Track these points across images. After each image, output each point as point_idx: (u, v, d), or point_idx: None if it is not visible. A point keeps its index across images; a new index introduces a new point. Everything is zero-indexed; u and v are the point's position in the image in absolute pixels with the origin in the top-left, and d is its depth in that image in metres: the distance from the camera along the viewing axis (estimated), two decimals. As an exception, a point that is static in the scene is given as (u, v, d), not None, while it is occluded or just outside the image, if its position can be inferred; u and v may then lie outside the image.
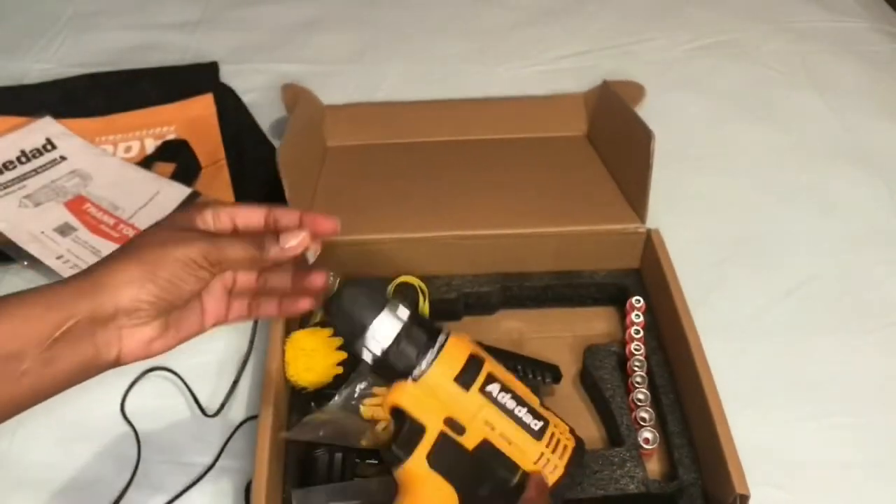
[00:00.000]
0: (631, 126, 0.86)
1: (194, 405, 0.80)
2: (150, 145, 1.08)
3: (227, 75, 1.20)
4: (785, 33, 1.28)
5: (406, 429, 0.55)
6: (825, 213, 0.99)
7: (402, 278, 0.85)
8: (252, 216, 0.56)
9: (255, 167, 1.04)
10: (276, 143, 1.07)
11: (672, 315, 0.77)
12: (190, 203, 0.97)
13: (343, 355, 0.75)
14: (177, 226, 0.53)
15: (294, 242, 0.55)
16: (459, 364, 0.56)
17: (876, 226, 0.98)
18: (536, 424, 0.56)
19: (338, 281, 0.57)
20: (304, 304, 0.60)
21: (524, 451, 0.56)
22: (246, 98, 1.16)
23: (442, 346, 0.56)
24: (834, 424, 0.79)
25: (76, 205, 0.98)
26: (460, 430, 0.55)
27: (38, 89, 1.18)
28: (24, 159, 1.04)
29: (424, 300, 0.84)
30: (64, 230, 0.94)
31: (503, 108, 1.08)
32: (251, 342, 0.83)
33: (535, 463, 0.56)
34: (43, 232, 0.94)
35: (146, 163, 1.05)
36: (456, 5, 1.36)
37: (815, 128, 1.11)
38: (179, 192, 0.99)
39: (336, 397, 0.72)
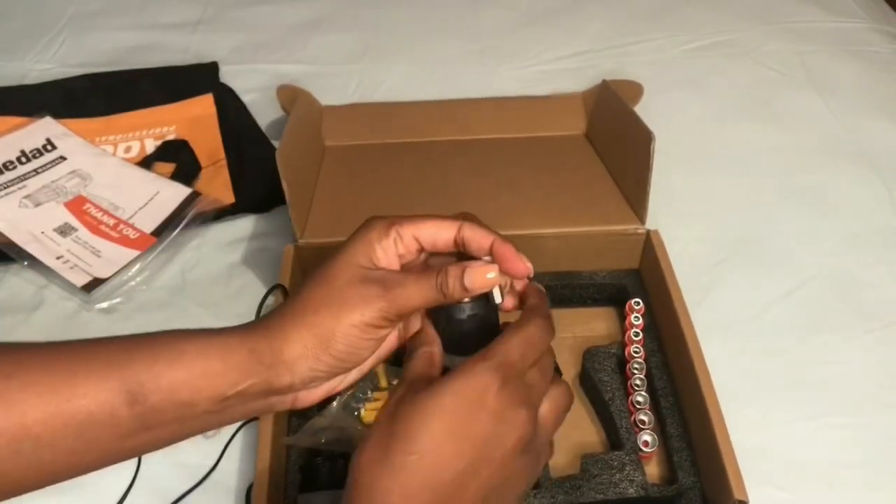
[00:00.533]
0: (631, 126, 0.86)
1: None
2: (150, 145, 1.08)
3: (227, 75, 1.20)
4: (785, 34, 1.28)
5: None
6: (825, 213, 0.99)
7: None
8: (440, 234, 0.51)
9: (254, 167, 1.04)
10: (275, 143, 1.07)
11: (671, 316, 0.78)
12: (190, 203, 0.97)
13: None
14: (354, 270, 0.49)
15: (480, 284, 0.49)
16: None
17: (876, 226, 0.98)
18: None
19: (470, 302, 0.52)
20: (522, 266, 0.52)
21: None
22: (246, 98, 1.16)
23: None
24: (834, 424, 0.79)
25: (76, 205, 0.98)
26: None
27: (39, 89, 1.18)
28: (24, 159, 1.04)
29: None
30: (64, 230, 0.94)
31: (502, 107, 1.08)
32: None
33: None
34: (43, 232, 0.94)
35: (146, 163, 1.05)
36: (456, 5, 1.36)
37: (814, 128, 1.11)
38: (179, 192, 0.99)
39: (336, 401, 0.72)
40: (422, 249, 0.52)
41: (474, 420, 0.44)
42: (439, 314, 0.52)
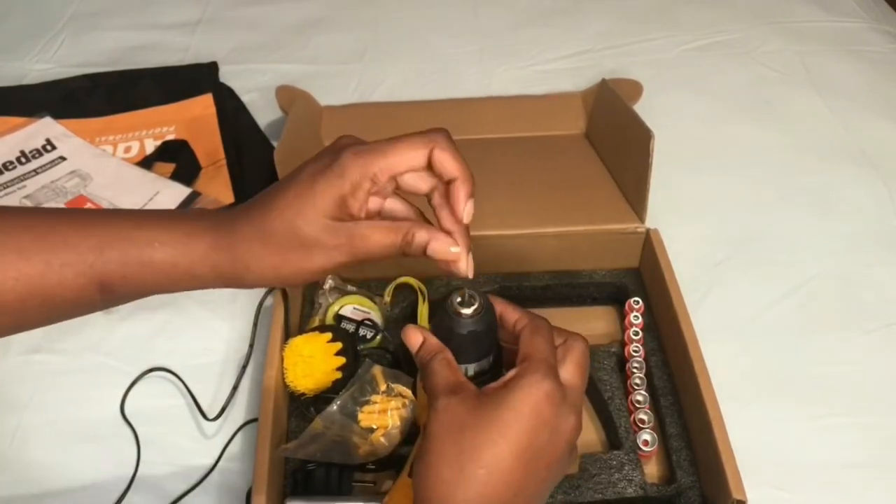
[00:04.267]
0: (630, 125, 0.86)
1: (194, 406, 0.80)
2: (150, 145, 1.08)
3: (227, 75, 1.20)
4: (785, 33, 1.28)
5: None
6: (825, 213, 0.99)
7: (402, 279, 0.85)
8: (413, 163, 0.53)
9: (254, 167, 1.04)
10: (275, 143, 1.07)
11: (671, 315, 0.78)
12: (190, 203, 0.97)
13: (341, 360, 0.75)
14: (320, 220, 0.51)
15: (442, 256, 0.53)
16: None
17: (876, 226, 0.98)
18: None
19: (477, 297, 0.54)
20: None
21: None
22: (246, 98, 1.16)
23: None
24: (834, 424, 0.79)
25: (77, 205, 0.98)
26: None
27: (38, 90, 1.18)
28: (23, 160, 1.04)
29: (424, 301, 0.84)
30: (64, 230, 0.94)
31: (501, 106, 1.08)
32: (251, 345, 0.82)
33: None
34: (43, 233, 0.94)
35: (146, 163, 1.05)
36: (455, 5, 1.35)
37: (814, 128, 1.11)
38: (179, 192, 0.99)
39: (335, 403, 0.72)
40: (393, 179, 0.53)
41: (534, 434, 0.48)
42: (440, 326, 0.55)
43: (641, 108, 1.02)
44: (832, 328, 0.87)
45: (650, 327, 0.82)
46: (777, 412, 0.80)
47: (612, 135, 0.95)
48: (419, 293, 0.84)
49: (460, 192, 0.53)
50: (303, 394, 0.74)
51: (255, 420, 0.77)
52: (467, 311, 0.54)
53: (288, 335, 0.77)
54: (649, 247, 0.85)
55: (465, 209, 0.53)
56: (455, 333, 0.54)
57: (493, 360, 0.57)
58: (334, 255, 0.51)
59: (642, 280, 0.87)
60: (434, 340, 0.54)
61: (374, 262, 0.52)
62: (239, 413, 0.80)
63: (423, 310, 0.83)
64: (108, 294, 0.51)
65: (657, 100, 1.09)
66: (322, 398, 0.74)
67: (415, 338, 0.54)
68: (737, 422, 0.68)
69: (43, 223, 0.50)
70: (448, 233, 0.53)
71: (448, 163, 0.52)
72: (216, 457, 0.76)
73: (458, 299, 0.54)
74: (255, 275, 0.52)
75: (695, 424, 0.73)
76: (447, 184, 0.53)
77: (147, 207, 0.97)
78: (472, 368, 0.56)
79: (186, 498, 0.73)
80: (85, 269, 0.50)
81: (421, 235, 0.52)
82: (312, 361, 0.74)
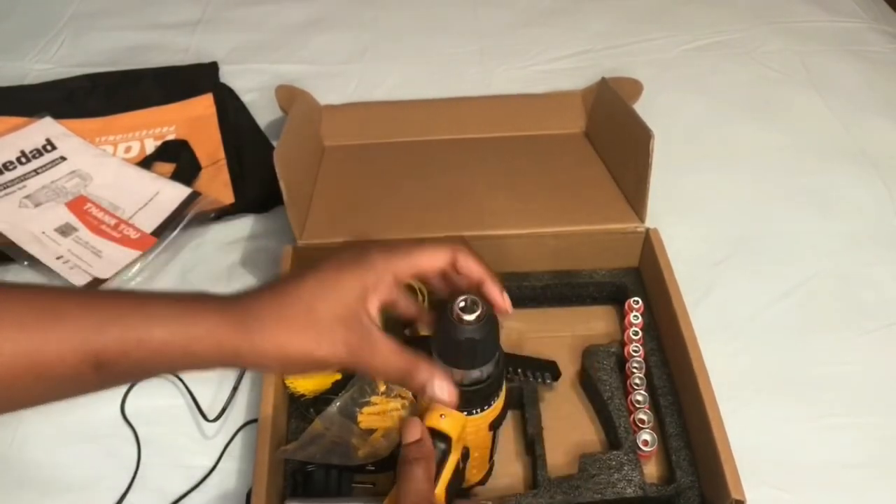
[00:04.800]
0: (630, 125, 0.86)
1: (194, 406, 0.80)
2: (150, 145, 1.08)
3: (227, 75, 1.20)
4: (785, 33, 1.28)
5: (439, 453, 0.57)
6: (825, 213, 0.99)
7: (402, 279, 0.85)
8: (435, 266, 0.56)
9: (254, 167, 1.04)
10: (275, 142, 1.07)
11: (670, 315, 0.77)
12: (190, 203, 0.97)
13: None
14: (339, 308, 0.53)
15: (440, 398, 0.55)
16: (492, 415, 0.62)
17: (876, 226, 0.98)
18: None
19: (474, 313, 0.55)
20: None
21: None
22: (246, 98, 1.16)
23: (484, 409, 0.60)
24: (833, 424, 0.79)
25: (77, 205, 0.98)
26: (467, 457, 0.61)
27: (38, 90, 1.18)
28: (24, 160, 1.04)
29: (423, 300, 0.84)
30: (65, 230, 0.94)
31: (501, 105, 1.08)
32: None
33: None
34: (44, 232, 0.94)
35: (146, 163, 1.05)
36: (455, 5, 1.36)
37: (814, 128, 1.11)
38: (179, 192, 0.99)
39: (334, 404, 0.72)
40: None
41: None
42: (441, 331, 0.55)
43: (641, 108, 1.02)
44: (832, 328, 0.87)
45: (650, 327, 0.82)
46: (776, 412, 0.80)
47: (612, 134, 0.95)
48: (419, 293, 0.84)
49: (494, 290, 0.57)
50: (302, 395, 0.74)
51: (254, 421, 0.77)
52: (470, 317, 0.54)
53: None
54: (649, 246, 0.85)
55: (506, 302, 0.57)
56: (456, 340, 0.54)
57: (495, 366, 0.58)
58: (339, 350, 0.52)
59: (642, 280, 0.87)
60: (429, 445, 0.55)
61: (368, 376, 0.55)
62: (239, 414, 0.80)
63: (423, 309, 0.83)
64: (104, 372, 0.49)
65: (657, 99, 1.09)
66: (321, 399, 0.74)
67: (413, 432, 0.55)
68: (736, 422, 0.68)
69: (45, 299, 0.49)
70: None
71: (474, 267, 0.56)
72: (216, 457, 0.76)
73: (461, 304, 0.54)
74: (257, 350, 0.51)
75: (694, 424, 0.73)
76: (476, 286, 0.57)
77: (147, 207, 0.98)
78: (472, 375, 0.56)
79: (186, 498, 0.73)
80: (81, 344, 0.48)
81: (422, 374, 0.54)
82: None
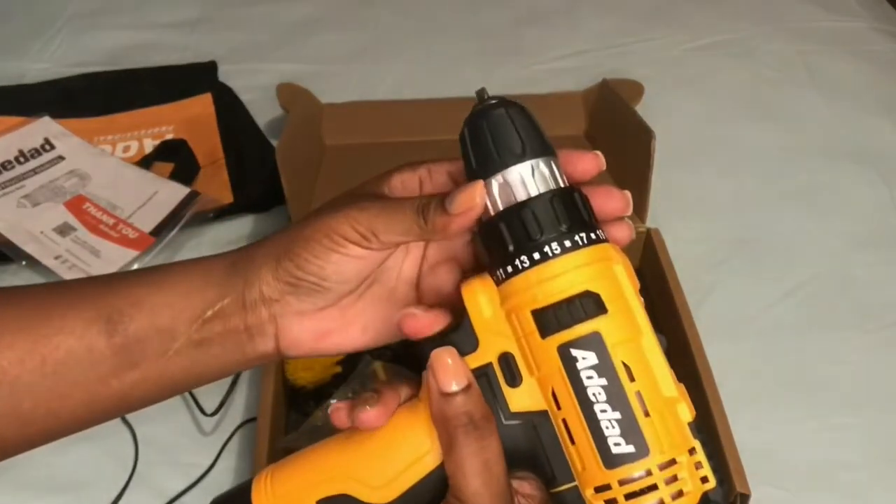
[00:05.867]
0: (631, 125, 0.86)
1: (192, 405, 0.79)
2: (149, 145, 1.08)
3: (226, 75, 1.20)
4: (785, 33, 1.28)
5: (454, 335, 0.39)
6: (826, 213, 0.99)
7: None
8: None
9: (253, 167, 1.04)
10: (274, 142, 1.07)
11: (672, 315, 0.77)
12: (189, 203, 0.97)
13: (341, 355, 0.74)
14: (358, 190, 0.44)
15: (466, 204, 0.39)
16: (564, 292, 0.36)
17: (877, 225, 0.98)
18: (620, 446, 0.36)
19: (491, 98, 0.42)
20: None
21: (586, 467, 0.37)
22: (245, 98, 1.15)
23: (572, 248, 0.37)
24: (834, 424, 0.79)
25: (76, 204, 0.97)
26: (513, 378, 0.38)
27: (37, 89, 1.17)
28: (22, 159, 1.03)
29: (424, 300, 0.83)
30: (63, 230, 0.94)
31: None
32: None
33: (594, 493, 0.37)
34: (42, 232, 0.94)
35: (145, 162, 1.04)
36: (456, 4, 1.35)
37: (815, 127, 1.11)
38: (178, 191, 0.99)
39: (334, 397, 0.71)
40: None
41: None
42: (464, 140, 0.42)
43: (642, 108, 1.02)
44: (833, 328, 0.87)
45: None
46: (778, 411, 0.79)
47: (613, 135, 0.95)
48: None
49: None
50: (302, 387, 0.74)
51: (253, 419, 0.77)
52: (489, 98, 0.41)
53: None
54: (650, 247, 0.84)
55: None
56: (477, 124, 0.41)
57: (551, 174, 0.40)
58: (346, 211, 0.41)
59: (644, 280, 0.87)
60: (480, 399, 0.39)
61: (392, 234, 0.41)
62: (237, 411, 0.79)
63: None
64: (117, 336, 0.42)
65: (658, 100, 1.09)
66: (322, 391, 0.74)
67: (454, 371, 0.39)
68: (737, 421, 0.68)
69: (39, 292, 0.45)
70: None
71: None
72: (214, 456, 0.76)
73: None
74: (260, 252, 0.44)
75: (698, 422, 0.72)
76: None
77: (146, 207, 0.97)
78: (511, 178, 0.39)
79: (185, 497, 0.73)
80: (87, 308, 0.43)
81: (437, 201, 0.41)
82: (312, 355, 0.73)
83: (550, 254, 0.37)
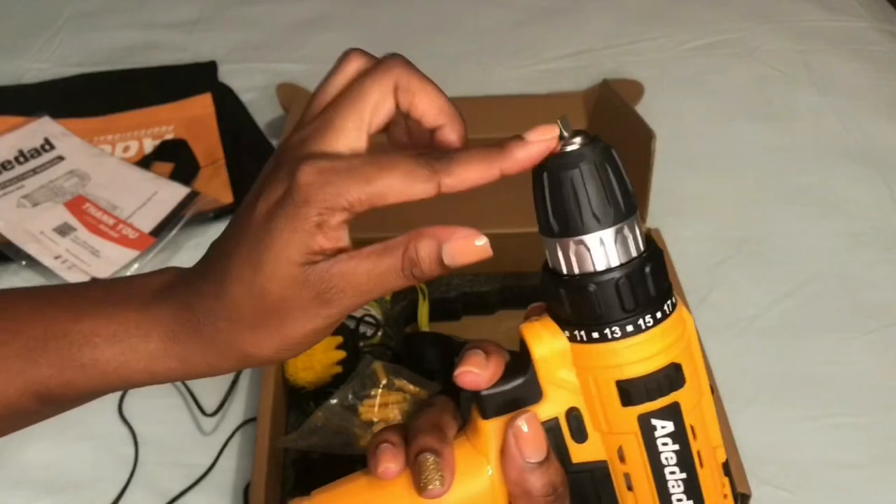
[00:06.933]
0: (631, 125, 0.86)
1: (192, 405, 0.79)
2: (149, 145, 1.08)
3: (226, 75, 1.20)
4: (785, 33, 1.28)
5: (519, 384, 0.37)
6: (825, 213, 0.99)
7: (402, 278, 0.85)
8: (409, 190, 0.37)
9: (253, 167, 1.04)
10: (274, 142, 1.07)
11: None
12: (188, 203, 0.97)
13: (342, 354, 0.74)
14: (287, 269, 0.36)
15: (465, 259, 0.37)
16: (652, 364, 0.36)
17: (877, 225, 0.98)
18: (682, 502, 0.37)
19: (576, 136, 0.37)
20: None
21: None
22: (245, 98, 1.15)
23: (661, 319, 0.36)
24: (834, 424, 0.79)
25: (76, 204, 0.97)
26: (580, 434, 0.37)
27: (37, 89, 1.17)
28: (22, 159, 1.03)
29: (424, 300, 0.83)
30: (63, 230, 0.94)
31: (501, 106, 1.08)
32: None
33: None
34: (42, 232, 0.94)
35: (144, 162, 1.04)
36: (455, 4, 1.35)
37: (815, 127, 1.11)
38: (178, 191, 0.99)
39: (335, 396, 0.71)
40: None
41: None
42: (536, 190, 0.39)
43: (642, 108, 1.02)
44: (833, 328, 0.87)
45: (651, 327, 0.82)
46: (777, 411, 0.79)
47: (613, 135, 0.94)
48: (419, 292, 0.84)
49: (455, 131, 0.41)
50: (303, 387, 0.74)
51: (253, 419, 0.77)
52: (575, 140, 0.38)
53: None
54: (650, 246, 0.84)
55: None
56: (557, 177, 0.37)
57: (639, 235, 0.37)
58: (318, 312, 0.36)
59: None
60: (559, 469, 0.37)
61: (377, 298, 0.38)
62: (237, 412, 0.79)
63: (423, 308, 0.83)
64: (49, 404, 0.40)
65: (658, 99, 1.09)
66: (322, 392, 0.74)
67: (534, 440, 0.37)
68: (737, 421, 0.68)
69: None
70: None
71: (427, 104, 0.41)
72: (214, 456, 0.76)
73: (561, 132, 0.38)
74: (231, 360, 0.38)
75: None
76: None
77: (145, 207, 0.97)
78: (590, 243, 0.36)
79: (185, 496, 0.73)
80: (14, 377, 0.39)
81: (427, 245, 0.37)
82: (313, 354, 0.74)
83: (644, 327, 0.35)
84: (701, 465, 0.37)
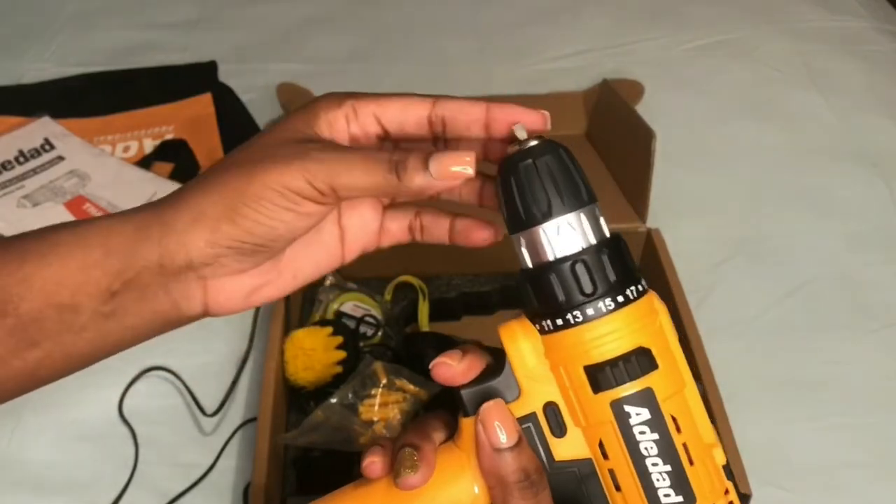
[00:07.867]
0: (631, 125, 0.86)
1: (193, 405, 0.79)
2: (149, 145, 1.08)
3: (226, 75, 1.20)
4: (786, 33, 1.28)
5: (496, 381, 0.38)
6: (825, 213, 0.99)
7: (402, 277, 0.85)
8: (409, 111, 0.39)
9: (253, 167, 1.04)
10: (275, 142, 1.07)
11: (672, 314, 0.77)
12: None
13: (342, 354, 0.74)
14: (289, 134, 0.39)
15: (448, 173, 0.37)
16: (618, 347, 0.36)
17: (877, 225, 0.98)
18: (670, 497, 0.37)
19: (530, 139, 0.39)
20: (484, 234, 0.43)
21: None
22: (245, 98, 1.15)
23: (625, 303, 0.37)
24: (834, 424, 0.79)
25: (76, 205, 0.97)
26: (559, 428, 0.38)
27: (37, 89, 1.17)
28: (22, 159, 1.03)
29: (424, 300, 0.83)
30: (63, 230, 0.94)
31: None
32: (250, 340, 0.82)
33: None
34: (41, 232, 0.94)
35: (145, 163, 1.04)
36: (456, 5, 1.35)
37: (815, 128, 1.11)
38: (178, 191, 0.99)
39: (335, 396, 0.71)
40: (384, 134, 0.40)
41: None
42: (498, 187, 0.39)
43: (642, 108, 1.02)
44: (833, 328, 0.87)
45: (651, 327, 0.82)
46: (778, 411, 0.79)
47: (614, 134, 0.95)
48: (419, 292, 0.84)
49: (503, 109, 0.42)
50: (303, 387, 0.74)
51: (253, 420, 0.77)
52: (525, 138, 0.40)
53: (288, 331, 0.77)
54: (651, 246, 0.84)
55: (540, 115, 0.42)
56: (511, 174, 0.38)
57: (593, 223, 0.39)
58: (300, 161, 0.37)
59: (644, 280, 0.87)
60: (531, 455, 0.38)
61: (354, 189, 0.37)
62: (237, 412, 0.79)
63: (423, 308, 0.83)
64: (3, 309, 0.38)
65: (658, 99, 1.09)
66: (322, 391, 0.74)
67: (503, 426, 0.37)
68: (738, 421, 0.68)
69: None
70: None
71: (461, 104, 0.40)
72: (214, 456, 0.76)
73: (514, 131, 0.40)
74: (184, 212, 0.38)
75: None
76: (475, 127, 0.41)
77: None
78: (547, 232, 0.38)
79: (185, 497, 0.73)
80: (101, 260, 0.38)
81: (420, 151, 0.37)
82: (313, 354, 0.74)
83: (605, 309, 0.36)
84: (690, 460, 0.37)
